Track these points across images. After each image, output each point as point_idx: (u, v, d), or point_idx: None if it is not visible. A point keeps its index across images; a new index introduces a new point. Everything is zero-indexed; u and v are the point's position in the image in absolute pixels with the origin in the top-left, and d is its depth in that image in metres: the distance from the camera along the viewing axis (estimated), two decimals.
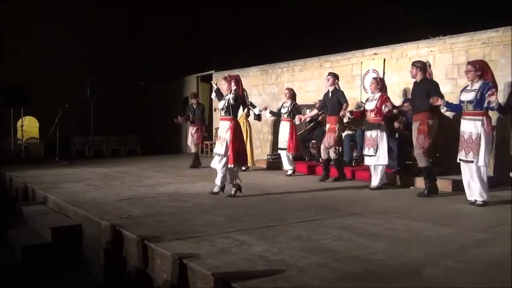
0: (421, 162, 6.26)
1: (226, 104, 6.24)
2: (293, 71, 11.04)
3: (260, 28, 15.83)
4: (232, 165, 6.14)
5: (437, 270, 3.18)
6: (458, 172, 5.79)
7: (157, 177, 8.54)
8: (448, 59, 7.77)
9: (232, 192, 6.26)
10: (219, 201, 5.97)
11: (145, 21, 15.87)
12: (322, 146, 7.83)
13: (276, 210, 5.34)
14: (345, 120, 8.12)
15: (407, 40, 8.57)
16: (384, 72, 8.71)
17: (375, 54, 9.06)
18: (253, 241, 3.91)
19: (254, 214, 5.10)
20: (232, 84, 6.21)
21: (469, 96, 5.48)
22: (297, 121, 8.46)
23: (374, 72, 8.93)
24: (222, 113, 6.33)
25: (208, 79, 12.88)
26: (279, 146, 8.86)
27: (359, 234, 4.18)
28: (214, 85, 6.79)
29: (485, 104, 5.32)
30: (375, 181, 6.87)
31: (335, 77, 7.75)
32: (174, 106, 13.84)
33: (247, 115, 9.23)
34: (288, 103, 8.80)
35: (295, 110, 8.69)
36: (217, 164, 6.28)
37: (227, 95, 6.28)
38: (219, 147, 6.25)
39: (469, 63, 5.71)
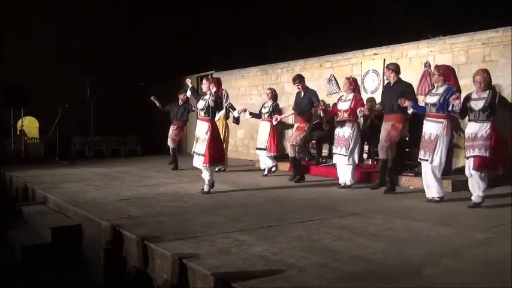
0: (382, 154, 6.49)
1: (206, 105, 6.34)
2: (293, 71, 11.01)
3: (260, 28, 15.80)
4: (207, 165, 6.28)
5: (437, 270, 3.19)
6: (458, 173, 5.80)
7: (158, 177, 8.54)
8: (448, 59, 7.76)
9: (206, 189, 6.41)
10: (219, 201, 5.97)
11: (145, 21, 15.85)
12: (288, 144, 7.84)
13: (276, 210, 5.35)
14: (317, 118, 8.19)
15: (407, 40, 8.58)
16: (383, 72, 8.70)
17: (375, 54, 9.06)
18: (253, 241, 3.91)
19: (254, 214, 5.11)
20: (212, 85, 6.35)
21: (433, 99, 5.73)
22: (274, 121, 8.44)
23: (374, 73, 8.94)
24: (202, 113, 6.41)
25: None
26: (258, 146, 8.76)
27: (359, 234, 4.18)
28: (189, 83, 6.83)
29: (450, 108, 5.52)
30: (346, 179, 6.98)
31: (300, 79, 7.76)
32: None
33: (227, 117, 9.16)
34: (270, 103, 8.79)
35: (277, 110, 8.70)
36: (199, 164, 6.39)
37: (206, 95, 6.39)
38: (200, 147, 6.34)
39: (435, 66, 6.02)
